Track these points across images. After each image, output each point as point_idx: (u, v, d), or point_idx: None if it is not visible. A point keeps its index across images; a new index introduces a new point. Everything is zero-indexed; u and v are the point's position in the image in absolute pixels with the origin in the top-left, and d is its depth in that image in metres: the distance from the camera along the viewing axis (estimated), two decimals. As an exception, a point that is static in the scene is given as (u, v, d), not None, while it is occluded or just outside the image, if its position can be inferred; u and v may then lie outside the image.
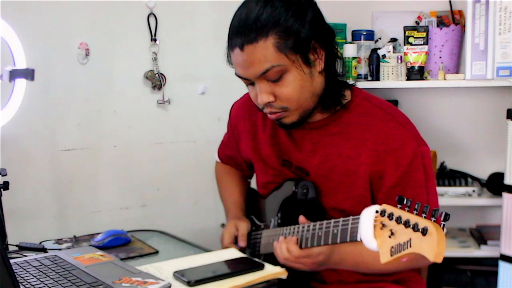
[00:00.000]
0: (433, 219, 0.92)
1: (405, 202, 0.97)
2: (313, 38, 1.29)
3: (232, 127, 1.63)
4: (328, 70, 1.34)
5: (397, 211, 0.97)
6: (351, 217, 1.16)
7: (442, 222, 0.91)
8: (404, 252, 0.94)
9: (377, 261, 1.29)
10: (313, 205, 1.39)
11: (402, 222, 0.94)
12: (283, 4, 1.27)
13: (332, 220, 1.22)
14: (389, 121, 1.35)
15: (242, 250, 1.50)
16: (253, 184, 1.68)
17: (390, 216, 0.97)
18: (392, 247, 0.96)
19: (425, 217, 0.93)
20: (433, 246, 0.89)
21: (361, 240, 1.04)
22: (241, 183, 1.71)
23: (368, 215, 1.02)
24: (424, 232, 0.90)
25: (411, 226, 0.92)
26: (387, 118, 1.35)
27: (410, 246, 0.92)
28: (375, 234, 1.00)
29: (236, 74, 1.33)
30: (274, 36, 1.25)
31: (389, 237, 0.97)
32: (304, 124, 1.40)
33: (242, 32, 1.26)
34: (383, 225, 0.99)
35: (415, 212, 0.95)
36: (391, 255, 0.96)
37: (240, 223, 1.55)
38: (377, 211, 1.00)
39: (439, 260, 0.89)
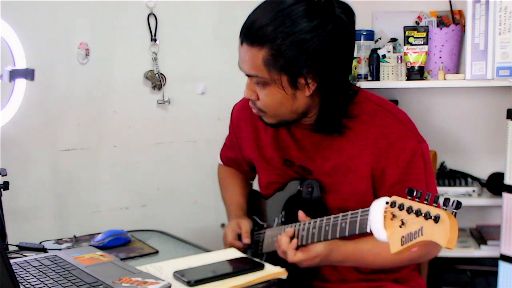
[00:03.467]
0: (444, 207, 0.93)
1: (414, 194, 0.97)
2: (307, 67, 1.26)
3: (234, 128, 1.63)
4: (324, 100, 1.33)
5: (407, 202, 0.98)
6: (360, 210, 1.17)
7: (454, 210, 0.92)
8: (415, 241, 0.94)
9: (377, 259, 1.31)
10: (318, 204, 1.40)
11: (414, 212, 0.95)
12: (293, 24, 1.23)
13: (340, 214, 1.23)
14: (390, 119, 1.36)
15: (244, 249, 1.51)
16: (255, 185, 1.68)
17: (401, 207, 0.98)
18: (403, 236, 0.96)
19: (436, 206, 0.94)
20: (445, 233, 0.89)
21: (371, 231, 1.04)
22: (243, 185, 1.72)
23: (378, 206, 1.02)
24: (437, 219, 0.90)
25: (423, 215, 0.93)
26: (388, 115, 1.36)
27: (422, 234, 0.93)
28: (385, 224, 1.00)
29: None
30: (267, 51, 1.25)
31: (400, 227, 0.97)
32: (305, 124, 1.41)
33: (246, 31, 1.29)
34: (393, 216, 0.99)
35: (425, 202, 0.95)
36: (402, 245, 0.97)
37: (242, 221, 1.56)
38: (387, 202, 1.01)
39: (452, 246, 0.89)
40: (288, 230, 1.35)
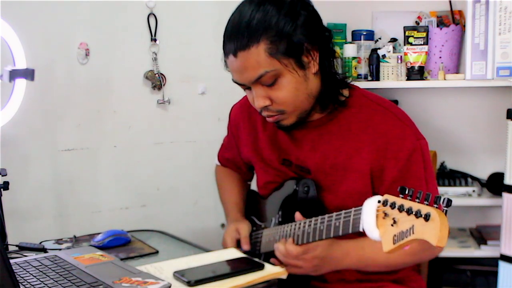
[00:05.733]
0: (435, 205, 0.93)
1: (406, 192, 0.98)
2: (306, 41, 1.28)
3: (232, 129, 1.63)
4: (324, 71, 1.34)
5: (399, 200, 0.98)
6: (353, 209, 1.17)
7: (444, 208, 0.92)
8: (406, 239, 0.94)
9: (380, 254, 1.31)
10: (314, 203, 1.39)
11: (405, 210, 0.95)
12: (275, 8, 1.26)
13: (334, 214, 1.23)
14: (388, 117, 1.36)
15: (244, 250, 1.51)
16: (253, 185, 1.68)
17: (393, 205, 0.98)
18: (395, 235, 0.96)
19: (427, 204, 0.94)
20: (435, 231, 0.89)
21: (363, 230, 1.04)
22: (240, 185, 1.72)
23: (370, 205, 1.03)
24: (427, 217, 0.90)
25: (414, 213, 0.93)
26: (385, 113, 1.36)
27: (413, 233, 0.93)
28: (377, 223, 1.01)
29: (232, 79, 1.35)
30: (266, 42, 1.25)
31: (392, 225, 0.97)
32: (303, 123, 1.41)
33: (234, 38, 1.28)
34: (386, 214, 0.99)
35: (417, 200, 0.96)
36: (394, 243, 0.97)
37: (240, 226, 1.55)
38: (379, 201, 1.01)
39: (442, 244, 0.89)
40: (289, 240, 1.34)
